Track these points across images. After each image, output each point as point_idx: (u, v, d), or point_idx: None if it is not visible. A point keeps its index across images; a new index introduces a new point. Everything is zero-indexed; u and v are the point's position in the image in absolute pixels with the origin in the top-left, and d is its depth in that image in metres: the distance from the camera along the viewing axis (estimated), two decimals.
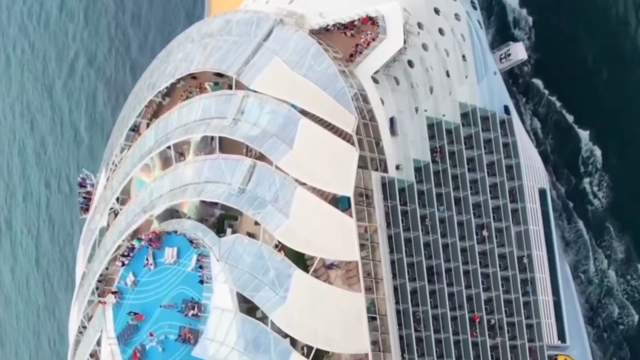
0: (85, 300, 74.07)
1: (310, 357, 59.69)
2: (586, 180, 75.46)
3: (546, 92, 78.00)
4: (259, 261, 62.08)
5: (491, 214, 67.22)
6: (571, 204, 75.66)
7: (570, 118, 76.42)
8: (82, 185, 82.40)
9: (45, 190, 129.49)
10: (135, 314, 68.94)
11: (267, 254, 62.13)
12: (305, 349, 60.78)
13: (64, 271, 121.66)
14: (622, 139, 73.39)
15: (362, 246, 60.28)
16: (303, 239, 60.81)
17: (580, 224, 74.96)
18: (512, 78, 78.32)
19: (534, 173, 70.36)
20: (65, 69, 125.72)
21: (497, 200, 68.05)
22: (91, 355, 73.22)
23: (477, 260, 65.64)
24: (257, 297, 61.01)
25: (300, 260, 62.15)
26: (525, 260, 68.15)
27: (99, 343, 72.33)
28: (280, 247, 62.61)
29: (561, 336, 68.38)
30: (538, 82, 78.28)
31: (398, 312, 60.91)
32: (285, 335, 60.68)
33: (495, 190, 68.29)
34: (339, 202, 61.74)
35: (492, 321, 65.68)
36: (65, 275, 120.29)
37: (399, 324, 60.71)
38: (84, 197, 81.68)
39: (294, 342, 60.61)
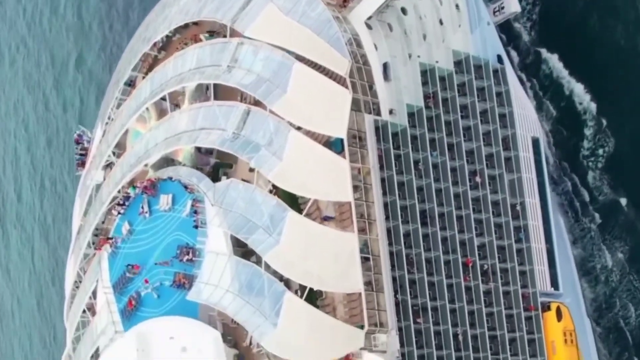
0: (81, 254, 74.50)
1: (304, 297, 60.13)
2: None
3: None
4: (253, 204, 62.39)
5: (484, 161, 67.65)
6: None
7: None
8: (78, 142, 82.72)
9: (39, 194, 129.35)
10: (132, 266, 69.25)
11: (260, 197, 62.50)
12: (299, 291, 61.30)
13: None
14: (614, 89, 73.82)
15: (356, 188, 60.69)
16: (296, 181, 61.12)
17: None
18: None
19: (527, 122, 70.82)
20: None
21: (490, 148, 68.51)
22: (87, 309, 73.53)
23: (470, 205, 66.12)
24: (251, 240, 61.31)
25: (294, 204, 62.53)
26: (518, 208, 68.64)
27: (94, 294, 72.79)
28: (275, 192, 63.12)
29: (554, 283, 68.90)
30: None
31: (391, 253, 61.36)
32: (280, 278, 61.12)
33: (489, 137, 68.75)
34: (332, 146, 62.11)
35: (485, 266, 66.15)
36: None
37: (392, 266, 61.16)
38: (80, 154, 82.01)
39: (287, 284, 61.03)
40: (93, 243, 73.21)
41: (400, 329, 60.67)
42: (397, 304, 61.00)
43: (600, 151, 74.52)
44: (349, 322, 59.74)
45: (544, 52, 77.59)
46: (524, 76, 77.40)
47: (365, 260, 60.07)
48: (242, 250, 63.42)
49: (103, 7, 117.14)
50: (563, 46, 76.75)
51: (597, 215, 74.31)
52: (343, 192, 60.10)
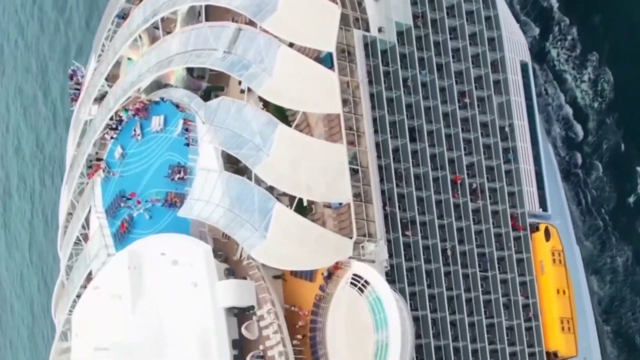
0: (74, 183, 75.05)
1: (293, 207, 60.84)
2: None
3: None
4: (243, 120, 63.00)
5: (473, 82, 68.31)
6: None
7: None
8: (72, 77, 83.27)
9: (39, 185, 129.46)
10: (127, 198, 69.76)
11: (251, 113, 63.14)
12: (288, 206, 62.02)
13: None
14: None
15: (345, 101, 61.37)
16: (286, 95, 61.71)
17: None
18: None
19: (515, 46, 71.40)
20: None
21: (479, 70, 69.13)
22: (79, 240, 74.10)
23: (459, 124, 66.78)
24: (241, 154, 61.95)
25: (284, 120, 63.17)
26: (507, 129, 69.33)
27: (87, 222, 73.40)
28: (265, 109, 63.76)
29: (543, 205, 69.59)
30: None
31: (380, 167, 62.15)
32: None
33: (477, 60, 69.37)
34: (323, 62, 62.75)
35: (474, 185, 66.90)
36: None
37: (381, 179, 61.89)
38: (75, 89, 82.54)
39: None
40: (88, 169, 73.55)
41: (389, 241, 61.45)
42: (385, 217, 61.77)
43: None
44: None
45: None
46: None
47: (354, 172, 60.80)
48: (234, 168, 64.14)
49: None
50: None
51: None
52: (332, 104, 60.73)
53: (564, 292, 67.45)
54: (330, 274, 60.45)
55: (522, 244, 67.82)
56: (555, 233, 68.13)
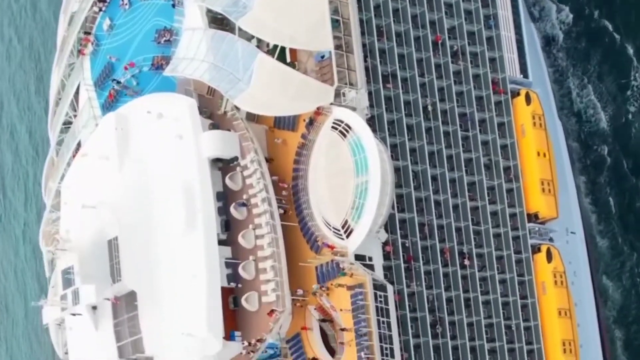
0: (64, 63, 76.07)
1: (275, 57, 61.99)
2: None
3: None
4: None
5: None
6: None
7: None
8: None
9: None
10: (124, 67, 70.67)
11: None
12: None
13: None
14: None
15: None
16: None
17: None
18: None
19: None
20: None
21: None
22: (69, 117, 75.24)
23: None
24: (225, 10, 63.01)
25: None
26: None
27: (77, 100, 74.57)
28: None
29: (524, 72, 70.58)
30: None
31: (361, 20, 63.26)
32: None
33: None
34: None
35: (455, 47, 67.92)
36: None
37: (362, 32, 62.99)
38: None
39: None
40: (79, 46, 74.52)
41: (369, 93, 62.60)
42: (366, 69, 62.87)
43: None
44: None
45: None
46: None
47: (335, 22, 61.86)
48: (218, 28, 65.27)
49: None
50: None
51: None
52: None
53: (544, 154, 68.49)
54: (312, 121, 61.70)
55: (503, 108, 68.79)
56: (535, 98, 69.16)
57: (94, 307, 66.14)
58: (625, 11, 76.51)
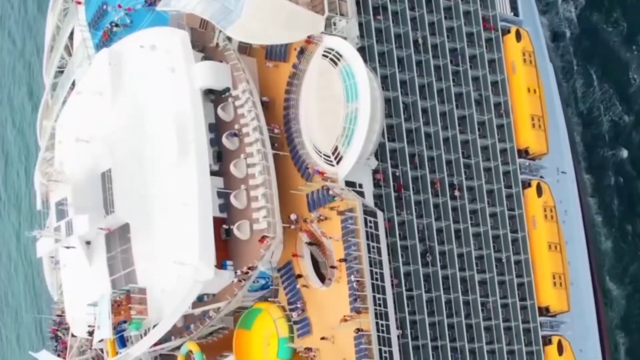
0: (58, 7, 76.60)
1: None
2: None
3: None
4: None
5: None
6: None
7: None
8: None
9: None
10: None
11: None
12: None
13: None
14: None
15: None
16: None
17: None
18: None
19: None
20: None
21: None
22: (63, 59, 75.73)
23: None
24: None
25: None
26: None
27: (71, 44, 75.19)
28: None
29: (514, 9, 71.13)
30: None
31: None
32: None
33: None
34: None
35: None
36: None
37: None
38: None
39: None
40: None
41: (360, 24, 63.08)
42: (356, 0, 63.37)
43: None
44: None
45: None
46: None
47: None
48: None
49: None
50: None
51: None
52: None
53: (534, 91, 69.03)
54: (303, 50, 62.21)
55: (493, 45, 69.27)
56: (526, 35, 69.63)
57: (88, 243, 66.92)
58: None
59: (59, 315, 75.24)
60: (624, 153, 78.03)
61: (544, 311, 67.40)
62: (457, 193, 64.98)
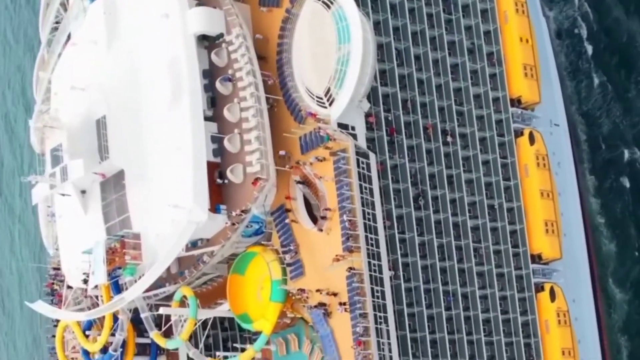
0: None
1: None
2: None
3: None
4: None
5: None
6: None
7: None
8: None
9: None
10: None
11: None
12: None
13: None
14: None
15: None
16: None
17: None
18: None
19: None
20: None
21: None
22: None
23: None
24: None
25: None
26: None
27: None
28: None
29: None
30: None
31: None
32: None
33: None
34: None
35: None
36: None
37: None
38: None
39: None
40: None
41: None
42: None
43: None
44: None
45: None
46: None
47: None
48: None
49: None
50: None
51: None
52: None
53: (527, 40, 69.31)
54: None
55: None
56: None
57: (83, 192, 67.38)
58: None
59: (54, 269, 75.71)
60: None
61: (537, 259, 67.68)
62: (449, 139, 65.28)
